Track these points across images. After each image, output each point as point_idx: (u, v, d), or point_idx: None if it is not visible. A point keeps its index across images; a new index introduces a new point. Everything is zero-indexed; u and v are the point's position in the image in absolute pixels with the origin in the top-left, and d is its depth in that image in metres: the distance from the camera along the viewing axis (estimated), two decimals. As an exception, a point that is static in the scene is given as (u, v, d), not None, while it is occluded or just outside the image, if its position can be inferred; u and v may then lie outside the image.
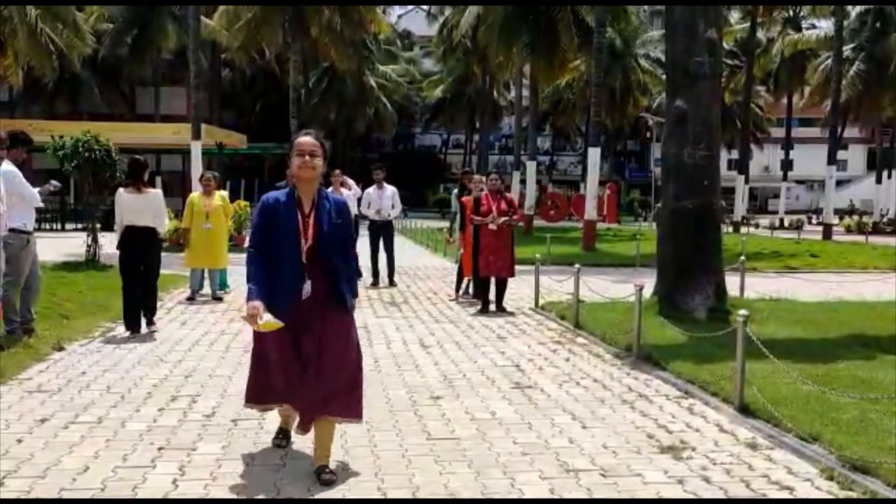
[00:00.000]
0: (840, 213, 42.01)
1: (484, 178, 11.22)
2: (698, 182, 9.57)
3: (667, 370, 6.87)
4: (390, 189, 13.22)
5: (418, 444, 4.90)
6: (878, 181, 44.99)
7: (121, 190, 8.43)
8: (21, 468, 4.33)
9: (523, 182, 31.91)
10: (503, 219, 10.39)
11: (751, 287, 12.42)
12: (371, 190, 13.25)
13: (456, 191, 12.96)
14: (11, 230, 7.29)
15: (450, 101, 54.99)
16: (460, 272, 11.86)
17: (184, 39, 30.76)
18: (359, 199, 13.36)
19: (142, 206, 8.28)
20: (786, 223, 39.60)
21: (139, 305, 8.31)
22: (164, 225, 8.81)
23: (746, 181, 37.27)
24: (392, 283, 13.09)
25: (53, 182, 8.41)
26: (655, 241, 10.51)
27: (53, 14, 23.03)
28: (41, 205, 7.99)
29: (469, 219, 10.68)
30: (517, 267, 10.96)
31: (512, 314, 10.35)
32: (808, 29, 43.56)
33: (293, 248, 4.19)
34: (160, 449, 4.69)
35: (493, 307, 10.50)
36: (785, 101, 48.46)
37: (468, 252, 10.87)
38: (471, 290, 11.41)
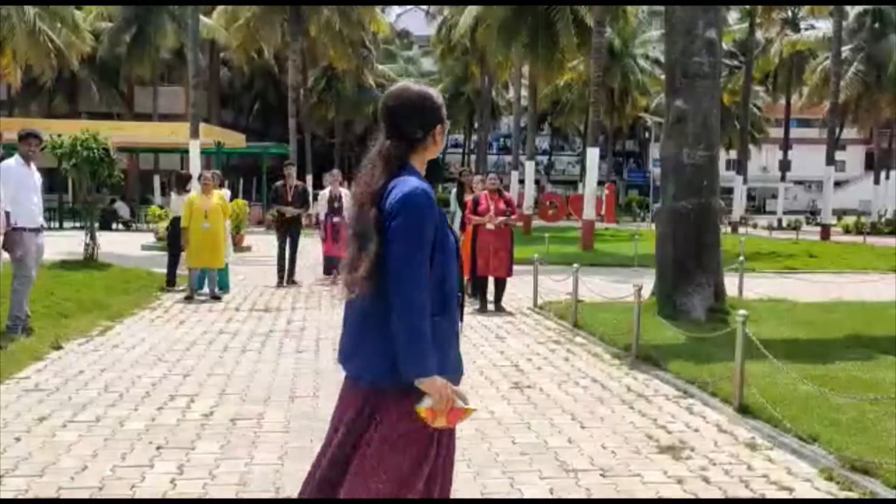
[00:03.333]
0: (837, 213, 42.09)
1: (483, 178, 11.21)
2: (697, 182, 9.57)
3: (666, 370, 6.87)
4: None
5: (417, 443, 4.88)
6: (877, 182, 45.04)
7: (172, 194, 12.73)
8: (19, 467, 4.32)
9: (522, 182, 31.90)
10: (501, 218, 10.37)
11: (749, 287, 12.43)
12: None
13: (455, 190, 12.93)
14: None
15: (448, 101, 54.87)
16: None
17: (182, 38, 30.77)
18: None
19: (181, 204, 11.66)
20: (784, 223, 39.63)
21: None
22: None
23: (745, 181, 37.28)
24: None
25: None
26: (654, 241, 10.50)
27: (52, 13, 23.04)
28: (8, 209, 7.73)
29: (467, 218, 10.66)
30: (516, 267, 10.94)
31: (511, 314, 10.35)
32: (806, 30, 43.66)
33: (458, 276, 2.60)
34: (159, 448, 4.69)
35: (491, 307, 10.49)
36: (783, 101, 48.52)
37: (467, 251, 10.84)
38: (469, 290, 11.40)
